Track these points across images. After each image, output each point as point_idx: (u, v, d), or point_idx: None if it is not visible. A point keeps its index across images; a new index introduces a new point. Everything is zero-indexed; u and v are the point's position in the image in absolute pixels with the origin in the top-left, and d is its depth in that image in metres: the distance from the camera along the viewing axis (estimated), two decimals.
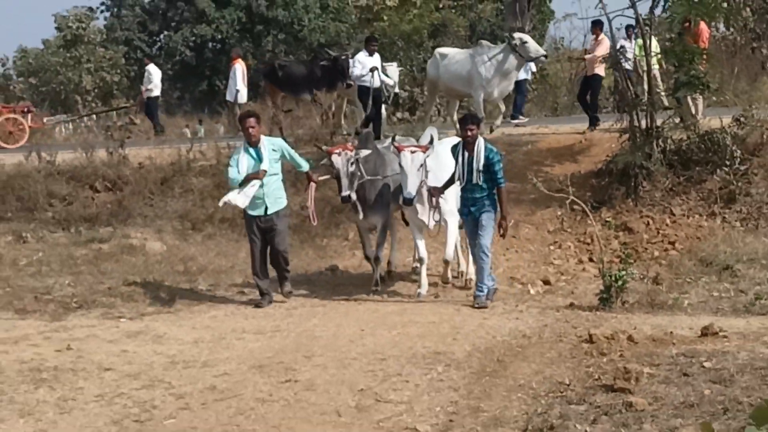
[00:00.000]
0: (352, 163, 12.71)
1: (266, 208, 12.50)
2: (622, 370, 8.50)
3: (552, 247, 14.50)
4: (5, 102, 29.85)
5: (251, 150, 12.43)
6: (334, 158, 12.75)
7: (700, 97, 16.74)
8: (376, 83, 18.79)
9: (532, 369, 9.12)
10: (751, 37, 25.91)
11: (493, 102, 18.98)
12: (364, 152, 12.97)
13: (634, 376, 8.35)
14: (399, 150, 12.40)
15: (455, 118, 18.99)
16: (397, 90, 20.67)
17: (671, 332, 9.99)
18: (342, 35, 38.85)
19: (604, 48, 17.76)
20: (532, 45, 18.42)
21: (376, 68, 18.83)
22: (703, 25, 16.68)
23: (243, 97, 24.81)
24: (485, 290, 11.83)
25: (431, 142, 12.72)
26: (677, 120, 15.96)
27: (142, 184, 17.54)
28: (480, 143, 11.84)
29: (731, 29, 24.58)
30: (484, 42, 19.81)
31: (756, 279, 12.22)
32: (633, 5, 15.61)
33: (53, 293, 13.59)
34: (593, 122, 18.40)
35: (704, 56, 16.13)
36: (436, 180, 12.46)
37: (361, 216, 13.17)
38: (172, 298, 13.16)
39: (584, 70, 19.75)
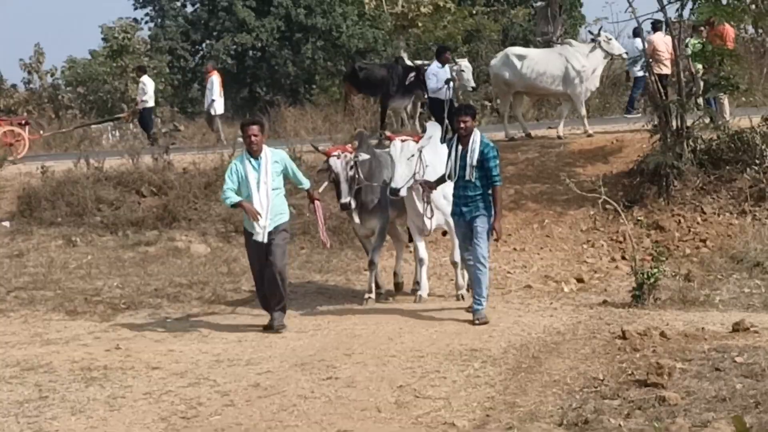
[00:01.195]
0: (351, 167, 11.76)
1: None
2: (655, 365, 8.49)
3: (585, 246, 14.46)
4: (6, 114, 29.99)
5: (252, 161, 10.92)
6: (333, 161, 11.78)
7: (726, 97, 16.64)
8: (450, 95, 17.82)
9: (567, 365, 9.11)
10: None
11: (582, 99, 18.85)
12: (363, 156, 11.93)
13: (667, 371, 8.33)
14: (390, 139, 11.72)
15: (520, 117, 19.62)
16: (473, 84, 19.82)
17: (703, 328, 9.98)
18: (378, 42, 38.88)
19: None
20: (615, 43, 18.77)
21: (451, 80, 17.91)
22: (727, 26, 16.57)
23: (219, 107, 25.05)
24: (484, 303, 10.77)
25: (430, 138, 11.85)
26: (707, 120, 15.89)
27: (186, 188, 17.63)
28: (475, 137, 10.60)
29: (760, 31, 24.39)
30: (572, 41, 19.91)
31: None
32: (662, 8, 15.56)
33: (102, 295, 13.70)
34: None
35: (733, 57, 16.05)
36: (436, 176, 11.48)
37: (357, 221, 12.36)
38: (216, 298, 13.24)
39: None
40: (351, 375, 9.22)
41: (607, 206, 14.47)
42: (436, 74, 17.98)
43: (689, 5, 14.92)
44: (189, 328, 11.72)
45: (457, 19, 25.67)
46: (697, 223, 14.43)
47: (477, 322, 10.60)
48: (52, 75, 40.41)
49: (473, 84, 19.61)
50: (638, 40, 18.31)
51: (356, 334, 10.91)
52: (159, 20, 43.33)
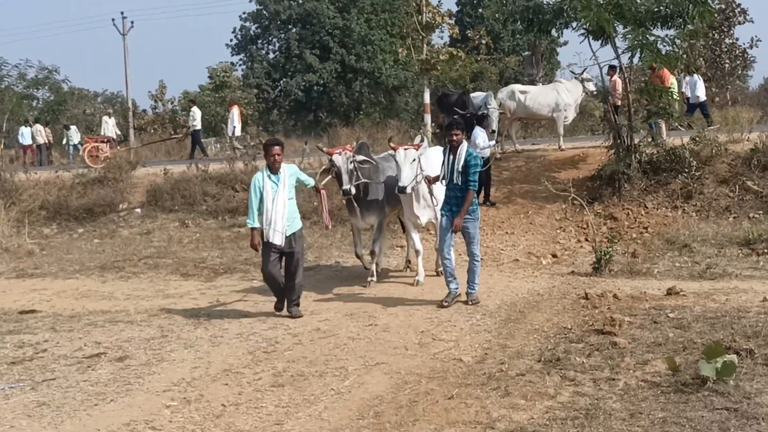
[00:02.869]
0: (351, 162, 10.81)
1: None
2: (609, 319, 8.47)
3: (558, 231, 14.39)
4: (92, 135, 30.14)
5: (272, 177, 9.64)
6: (335, 158, 10.80)
7: (663, 122, 16.53)
8: (487, 154, 15.23)
9: (544, 317, 9.08)
10: (704, 80, 25.53)
11: (565, 122, 18.63)
12: (360, 157, 11.01)
13: (618, 323, 8.31)
14: (395, 149, 10.71)
15: (513, 134, 19.36)
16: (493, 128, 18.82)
17: (645, 292, 9.93)
18: (408, 80, 38.89)
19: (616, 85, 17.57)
20: (590, 84, 18.36)
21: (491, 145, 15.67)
22: (665, 70, 16.44)
23: (237, 131, 25.16)
24: (476, 288, 10.00)
25: (422, 140, 11.27)
26: (649, 139, 15.85)
27: None
28: (463, 147, 9.70)
29: (689, 74, 24.19)
30: (562, 80, 19.73)
31: (707, 254, 12.08)
32: (618, 56, 15.46)
33: (207, 262, 13.81)
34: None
35: (669, 94, 15.98)
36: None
37: (358, 215, 11.23)
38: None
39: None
40: (386, 323, 9.24)
41: (575, 202, 14.42)
42: (484, 139, 15.04)
43: (638, 54, 14.82)
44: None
45: (466, 64, 25.60)
46: (641, 215, 14.36)
47: (470, 303, 9.81)
48: (172, 103, 40.76)
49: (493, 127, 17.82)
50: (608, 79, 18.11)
51: (390, 294, 10.93)
52: (249, 63, 43.50)
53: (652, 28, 14.69)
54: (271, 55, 43.46)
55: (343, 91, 40.67)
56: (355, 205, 11.12)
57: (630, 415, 5.93)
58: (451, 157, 9.68)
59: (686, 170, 14.76)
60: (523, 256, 13.17)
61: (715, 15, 20.67)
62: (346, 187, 10.70)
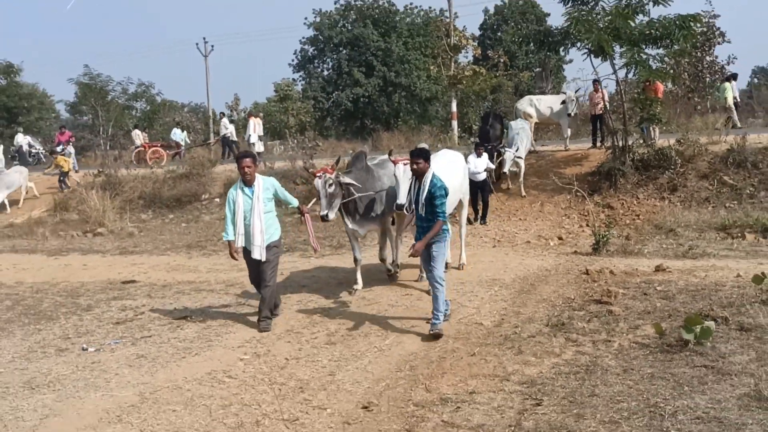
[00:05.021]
0: (330, 185, 8.70)
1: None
2: (606, 290, 8.39)
3: (563, 218, 14.26)
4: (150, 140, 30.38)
5: (246, 189, 7.96)
6: (315, 182, 8.87)
7: (657, 127, 16.31)
8: (482, 178, 13.86)
9: (552, 289, 9.02)
10: (687, 91, 25.16)
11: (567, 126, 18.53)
12: (346, 179, 8.97)
13: (614, 295, 8.23)
14: (394, 163, 8.70)
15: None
16: (569, 112, 17.86)
17: (636, 269, 9.81)
18: (438, 93, 38.71)
19: (601, 97, 17.33)
20: (572, 104, 17.99)
21: (479, 173, 13.72)
22: (658, 83, 16.21)
23: (254, 139, 24.96)
24: (441, 318, 7.42)
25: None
26: (641, 141, 15.70)
27: None
28: (428, 176, 7.35)
29: (675, 86, 23.82)
30: (567, 91, 19.46)
31: (689, 237, 11.91)
32: (615, 72, 15.29)
33: None
34: (595, 143, 18.00)
35: (659, 102, 15.81)
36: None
37: (350, 226, 9.39)
38: (339, 244, 13.30)
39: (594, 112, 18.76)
40: (419, 293, 9.24)
41: (578, 193, 14.44)
42: (473, 162, 13.73)
43: (633, 69, 14.70)
44: (323, 264, 11.80)
45: (486, 79, 25.30)
46: (634, 204, 14.19)
47: (431, 332, 7.33)
48: (245, 112, 41.02)
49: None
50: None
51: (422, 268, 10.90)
52: (307, 79, 43.53)
53: (644, 47, 14.58)
54: (326, 73, 43.39)
55: (384, 102, 40.51)
56: (348, 216, 9.33)
57: (623, 370, 5.89)
58: (418, 185, 7.47)
59: (672, 167, 14.66)
60: (533, 239, 13.07)
61: (698, 37, 20.29)
62: (323, 212, 8.73)
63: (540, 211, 14.73)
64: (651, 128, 16.13)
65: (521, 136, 15.53)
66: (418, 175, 7.44)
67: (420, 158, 7.40)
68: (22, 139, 29.33)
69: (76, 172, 23.29)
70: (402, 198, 8.32)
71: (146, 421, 5.46)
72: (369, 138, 32.04)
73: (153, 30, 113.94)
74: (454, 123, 25.91)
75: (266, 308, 8.11)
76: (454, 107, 26.06)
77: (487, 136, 15.41)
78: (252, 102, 46.83)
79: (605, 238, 11.38)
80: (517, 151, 15.09)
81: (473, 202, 14.02)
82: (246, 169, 7.92)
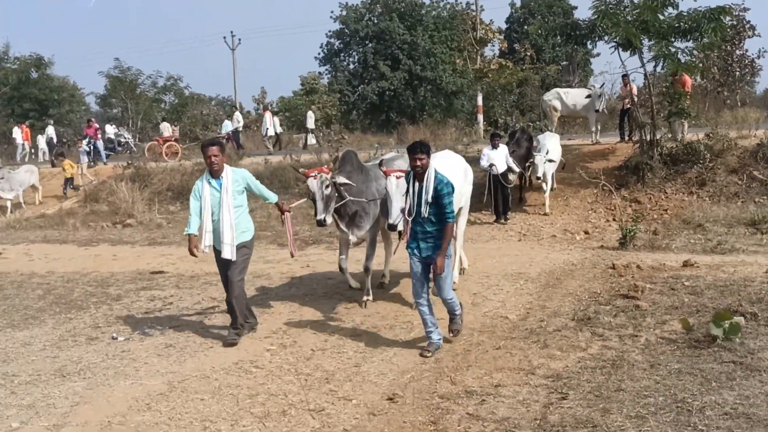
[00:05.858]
0: (327, 186, 7.76)
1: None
2: (633, 285, 8.33)
3: (590, 212, 14.15)
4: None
5: (213, 182, 7.06)
6: (310, 182, 7.82)
7: (685, 122, 16.11)
8: (499, 171, 13.33)
9: (577, 283, 8.96)
10: (717, 85, 24.81)
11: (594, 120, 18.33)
12: (341, 179, 7.99)
13: (641, 289, 8.16)
14: (386, 175, 7.11)
15: (554, 130, 18.42)
16: (597, 108, 17.71)
17: (664, 263, 9.72)
18: (464, 86, 38.52)
19: (630, 92, 17.17)
20: (602, 98, 17.91)
21: (494, 165, 13.35)
22: (686, 77, 15.97)
23: (270, 132, 25.15)
24: (459, 312, 6.97)
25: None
26: (669, 135, 15.53)
27: None
28: (430, 173, 6.47)
29: (704, 80, 23.49)
30: (594, 85, 19.29)
31: (718, 232, 11.76)
32: (643, 65, 15.10)
33: (298, 235, 13.87)
34: (623, 137, 17.77)
35: (688, 96, 15.62)
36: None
37: (344, 232, 8.37)
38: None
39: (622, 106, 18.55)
40: None
41: (605, 188, 14.31)
42: (487, 154, 13.51)
43: (661, 63, 14.52)
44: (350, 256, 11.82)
45: (513, 73, 25.14)
46: (662, 199, 14.04)
47: (453, 333, 6.97)
48: (270, 106, 41.21)
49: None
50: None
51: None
52: (333, 73, 43.58)
53: (673, 40, 14.36)
54: (352, 66, 43.38)
55: (410, 96, 40.40)
56: (341, 220, 8.28)
57: (650, 365, 5.83)
58: (417, 185, 6.51)
59: (701, 162, 14.47)
60: (559, 233, 12.99)
61: (728, 30, 19.94)
62: (320, 217, 7.75)
63: (566, 205, 14.63)
64: (679, 122, 15.94)
65: (551, 144, 14.34)
66: (418, 175, 6.46)
67: (422, 153, 6.43)
68: (110, 129, 29.56)
69: (105, 164, 23.55)
70: (394, 217, 6.92)
71: (174, 409, 5.52)
72: (394, 131, 32.02)
73: (182, 24, 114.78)
74: (480, 117, 25.85)
75: (239, 316, 7.22)
76: (479, 101, 25.99)
77: (518, 143, 14.45)
78: (278, 95, 46.97)
79: (632, 233, 11.28)
80: (547, 153, 13.88)
81: (493, 199, 13.74)
82: (212, 159, 7.03)
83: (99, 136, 25.29)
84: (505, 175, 13.62)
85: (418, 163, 6.42)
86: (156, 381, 6.15)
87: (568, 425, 4.82)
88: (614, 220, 13.33)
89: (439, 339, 6.74)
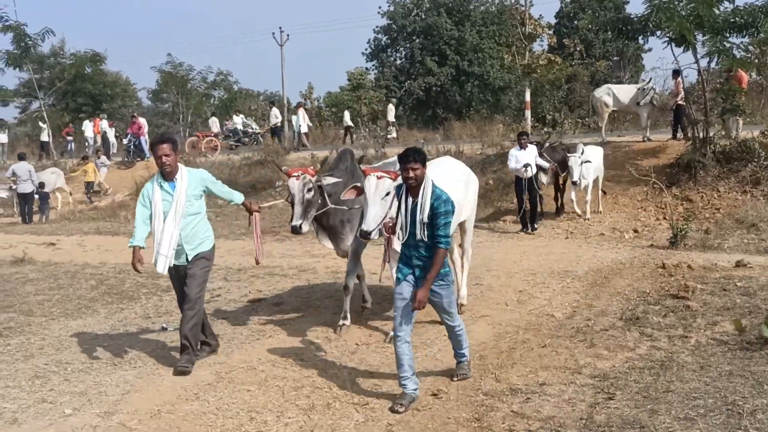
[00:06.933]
0: (309, 190, 6.85)
1: (187, 256, 6.22)
2: (683, 285, 8.20)
3: (639, 210, 13.95)
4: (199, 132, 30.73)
5: (165, 185, 6.09)
6: (291, 182, 6.91)
7: (740, 119, 15.72)
8: (529, 174, 12.70)
9: (626, 283, 8.84)
10: None
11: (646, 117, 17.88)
12: (330, 180, 7.08)
13: (691, 290, 8.03)
14: (365, 173, 6.03)
15: (604, 126, 18.20)
16: (644, 100, 17.25)
17: (716, 264, 9.53)
18: (512, 82, 38.20)
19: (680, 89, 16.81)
20: (653, 92, 17.59)
21: (528, 165, 12.66)
22: (742, 73, 15.58)
23: (304, 129, 25.08)
24: (467, 355, 5.91)
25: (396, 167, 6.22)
26: (723, 132, 15.26)
27: None
28: (427, 187, 5.25)
29: (760, 76, 22.89)
30: (646, 81, 19.02)
31: None
32: (697, 61, 14.80)
33: None
34: (675, 134, 17.37)
35: (743, 93, 15.24)
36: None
37: (324, 243, 7.56)
38: None
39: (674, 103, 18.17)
40: (490, 283, 9.20)
41: (655, 185, 14.05)
42: (515, 155, 12.89)
43: (715, 59, 14.19)
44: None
45: (561, 68, 24.79)
46: (714, 198, 13.75)
47: (457, 378, 5.83)
48: (318, 101, 41.48)
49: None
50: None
51: (493, 258, 10.82)
52: (380, 68, 43.64)
53: (728, 35, 14.03)
54: (399, 61, 43.37)
55: (457, 91, 40.21)
56: (320, 230, 7.49)
57: (700, 367, 5.73)
58: (411, 200, 5.31)
59: (756, 160, 14.15)
60: (608, 231, 12.82)
61: None
62: (295, 223, 6.84)
63: (615, 203, 14.43)
64: (734, 119, 15.58)
65: (592, 153, 13.54)
66: (412, 189, 5.31)
67: (416, 162, 5.24)
68: (237, 119, 30.25)
69: (147, 161, 23.66)
70: (370, 222, 5.78)
71: (222, 399, 5.61)
72: (440, 127, 31.92)
73: (231, 20, 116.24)
74: (528, 113, 25.53)
75: (191, 340, 6.21)
76: (527, 97, 25.67)
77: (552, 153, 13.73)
78: (325, 91, 47.15)
79: (683, 232, 11.08)
80: (582, 154, 12.90)
81: (519, 205, 13.21)
82: (163, 159, 6.03)
83: (144, 132, 25.41)
84: (537, 177, 12.98)
85: (411, 174, 5.23)
86: (204, 371, 6.25)
87: (615, 426, 4.76)
88: (665, 218, 13.11)
89: (415, 389, 5.37)
